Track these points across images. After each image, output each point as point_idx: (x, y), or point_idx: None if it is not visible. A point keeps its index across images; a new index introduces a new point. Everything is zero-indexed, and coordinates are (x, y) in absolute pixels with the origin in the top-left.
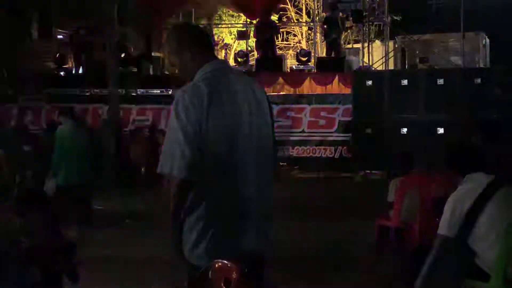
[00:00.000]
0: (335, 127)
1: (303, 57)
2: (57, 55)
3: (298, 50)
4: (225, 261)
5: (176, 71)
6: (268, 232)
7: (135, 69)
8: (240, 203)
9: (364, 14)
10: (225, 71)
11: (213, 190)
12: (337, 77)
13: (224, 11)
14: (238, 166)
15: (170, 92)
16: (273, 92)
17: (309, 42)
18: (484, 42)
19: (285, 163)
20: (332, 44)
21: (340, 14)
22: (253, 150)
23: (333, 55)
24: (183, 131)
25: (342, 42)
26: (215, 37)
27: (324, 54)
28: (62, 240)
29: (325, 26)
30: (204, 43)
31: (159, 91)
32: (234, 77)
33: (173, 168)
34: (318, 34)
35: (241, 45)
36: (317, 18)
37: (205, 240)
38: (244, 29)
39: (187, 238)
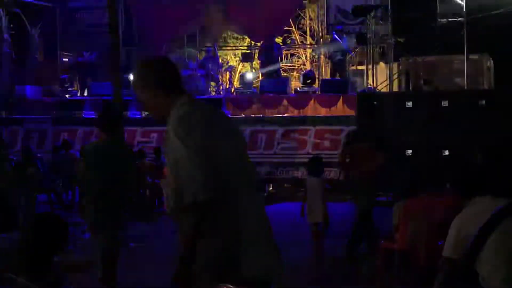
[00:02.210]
0: (340, 149)
1: (307, 79)
2: (62, 78)
3: (303, 72)
4: (230, 285)
5: (145, 108)
6: (277, 254)
7: None
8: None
9: (368, 36)
10: (201, 102)
11: (223, 212)
12: (341, 99)
13: (229, 34)
14: (237, 188)
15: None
16: (277, 114)
17: (313, 64)
18: (488, 64)
19: (290, 185)
20: (337, 65)
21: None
22: (244, 172)
23: (338, 76)
24: (189, 156)
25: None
26: (220, 59)
27: (328, 76)
28: None
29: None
30: (175, 78)
31: None
32: (209, 107)
33: (193, 195)
34: (322, 56)
35: (246, 67)
36: (321, 40)
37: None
38: (249, 51)
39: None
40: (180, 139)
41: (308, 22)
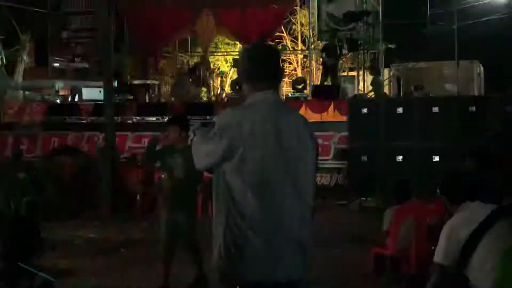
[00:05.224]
0: (331, 155)
1: (298, 84)
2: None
3: (294, 78)
4: None
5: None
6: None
7: (131, 97)
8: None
9: (359, 42)
10: (274, 105)
11: (244, 212)
12: (332, 105)
13: (220, 39)
14: (266, 195)
15: (165, 120)
16: None
17: (305, 69)
18: (478, 71)
19: None
20: (329, 70)
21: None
22: (286, 186)
23: (329, 81)
24: (212, 143)
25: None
26: (211, 65)
27: (319, 82)
28: None
29: (323, 54)
30: (262, 72)
31: (154, 119)
32: (280, 113)
33: (198, 163)
34: (313, 62)
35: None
36: (313, 46)
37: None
38: None
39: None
40: (219, 123)
41: (299, 28)
